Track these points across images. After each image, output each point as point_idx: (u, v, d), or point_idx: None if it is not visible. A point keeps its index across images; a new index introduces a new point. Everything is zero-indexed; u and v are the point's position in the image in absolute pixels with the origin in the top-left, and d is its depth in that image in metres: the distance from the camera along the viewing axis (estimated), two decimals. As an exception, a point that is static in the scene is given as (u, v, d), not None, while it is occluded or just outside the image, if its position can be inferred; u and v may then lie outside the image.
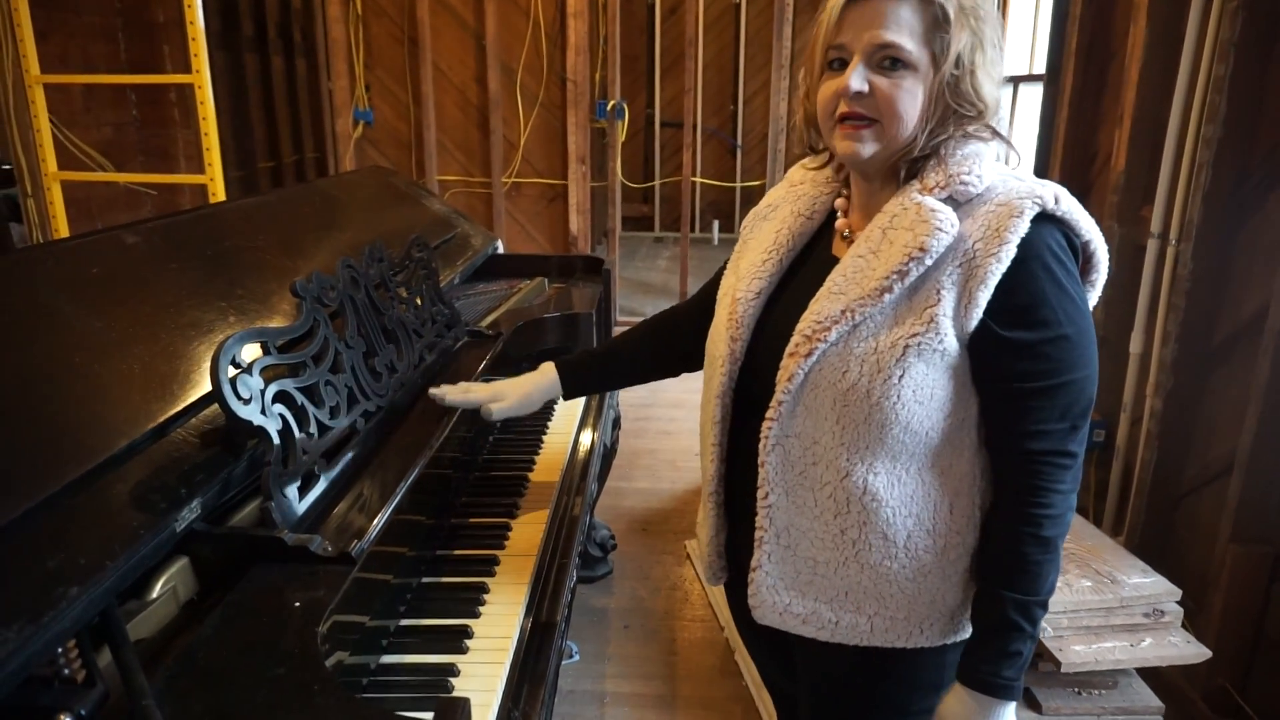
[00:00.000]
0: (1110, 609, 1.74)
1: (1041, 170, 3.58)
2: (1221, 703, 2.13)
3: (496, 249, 2.54)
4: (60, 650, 0.75)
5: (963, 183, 0.96)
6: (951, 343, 0.95)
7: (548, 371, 1.45)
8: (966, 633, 1.09)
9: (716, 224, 8.24)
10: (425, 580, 1.23)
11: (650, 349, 1.45)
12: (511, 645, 1.09)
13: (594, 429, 1.91)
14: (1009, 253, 0.92)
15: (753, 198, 8.27)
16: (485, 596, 1.19)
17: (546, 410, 1.91)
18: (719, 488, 1.19)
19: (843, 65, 0.98)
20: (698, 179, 6.91)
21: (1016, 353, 0.95)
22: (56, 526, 0.78)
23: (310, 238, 1.66)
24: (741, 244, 1.22)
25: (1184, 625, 2.04)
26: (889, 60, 0.95)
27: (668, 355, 1.42)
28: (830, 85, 0.99)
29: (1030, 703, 1.82)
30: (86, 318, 1.02)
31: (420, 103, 5.16)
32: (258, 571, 0.93)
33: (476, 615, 1.14)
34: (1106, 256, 1.03)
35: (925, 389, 0.96)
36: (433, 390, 1.40)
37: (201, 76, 3.06)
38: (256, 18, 6.10)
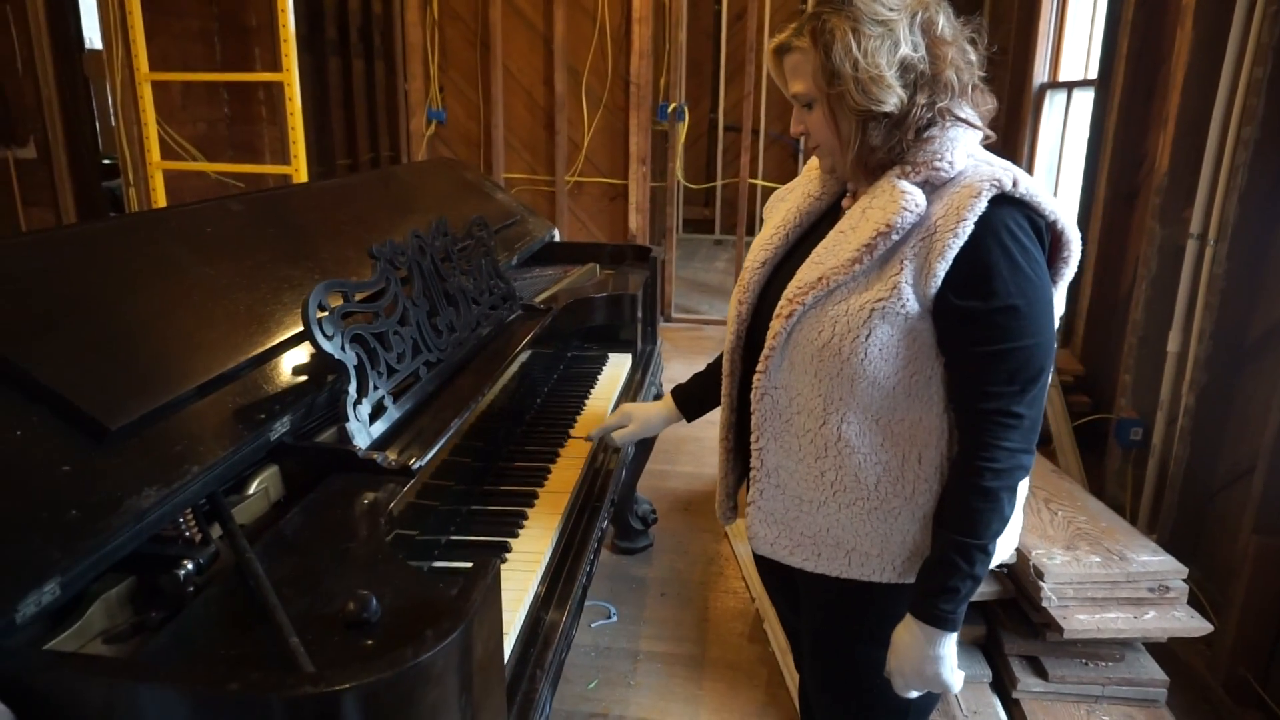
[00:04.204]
0: (1116, 582, 1.81)
1: (1090, 174, 3.62)
2: (1242, 692, 2.17)
3: (553, 236, 2.73)
4: (180, 519, 0.95)
5: (934, 168, 1.09)
6: (913, 307, 1.07)
7: (667, 400, 1.59)
8: None
9: (775, 227, 8.31)
10: (473, 508, 1.41)
11: None
12: (544, 558, 1.25)
13: (633, 400, 2.07)
14: (966, 229, 1.04)
15: (812, 201, 8.35)
16: (524, 522, 1.36)
17: (589, 377, 2.08)
18: (728, 434, 1.35)
19: None
20: (758, 181, 7.02)
21: (969, 320, 1.06)
22: (182, 421, 0.98)
23: (384, 215, 1.86)
24: (764, 223, 1.38)
25: (1202, 604, 2.10)
26: (803, 103, 1.15)
27: None
28: None
29: (1038, 670, 1.91)
30: (202, 266, 1.23)
31: (490, 103, 5.40)
32: (334, 478, 1.12)
33: (515, 535, 1.31)
34: (1077, 235, 1.14)
35: (890, 348, 1.09)
36: (587, 435, 1.69)
37: (290, 75, 3.33)
38: (340, 23, 6.46)
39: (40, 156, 4.59)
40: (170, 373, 1.02)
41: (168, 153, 4.55)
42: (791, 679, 2.22)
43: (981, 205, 1.04)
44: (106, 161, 5.26)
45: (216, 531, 0.99)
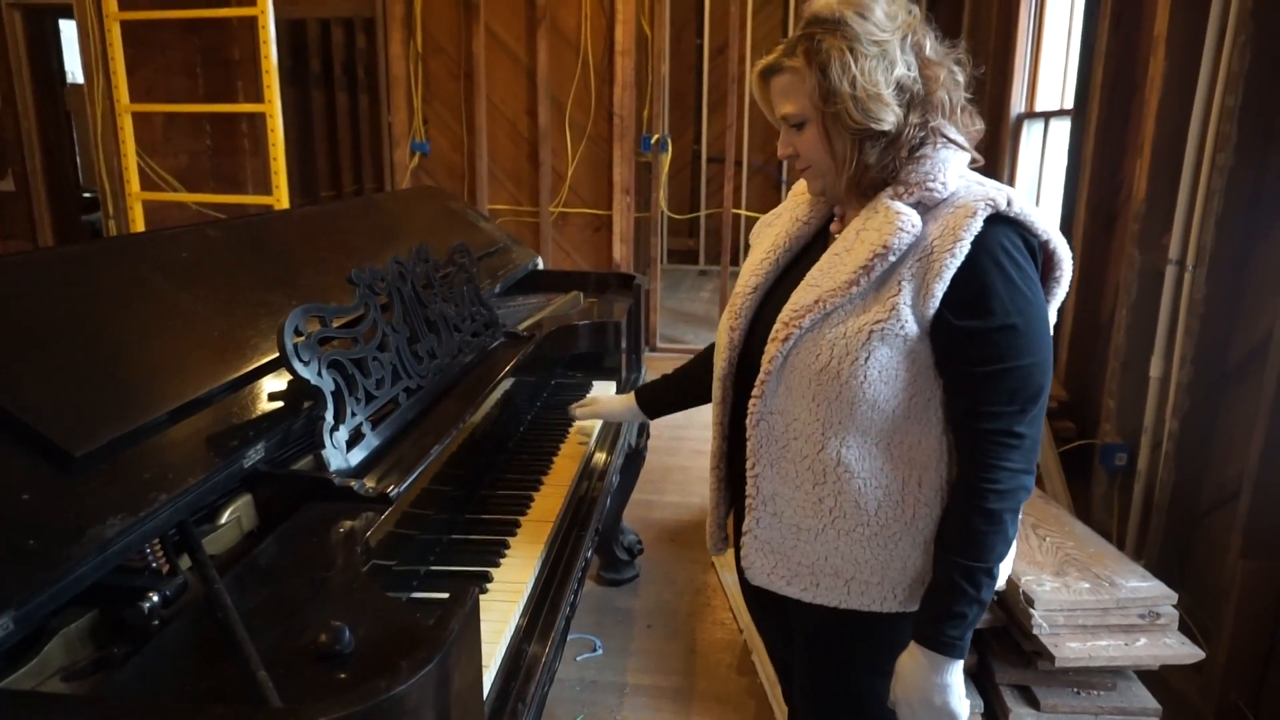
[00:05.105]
0: (1106, 609, 1.80)
1: (1069, 202, 3.65)
2: (1233, 718, 2.15)
3: (536, 265, 2.72)
4: (148, 549, 0.92)
5: (928, 189, 1.09)
6: (912, 328, 1.07)
7: (630, 395, 1.69)
8: None
9: (759, 257, 8.35)
10: (454, 537, 1.38)
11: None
12: (526, 589, 1.22)
13: (616, 429, 2.05)
14: (963, 249, 1.04)
15: (795, 232, 8.41)
16: (506, 551, 1.33)
17: (573, 405, 2.06)
18: (720, 463, 1.32)
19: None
20: (742, 211, 7.07)
21: (968, 339, 1.06)
22: (152, 447, 0.95)
23: (366, 242, 1.85)
24: (752, 249, 1.37)
25: (1191, 630, 2.08)
26: (793, 124, 1.14)
27: None
28: None
29: (1029, 700, 1.88)
30: (177, 291, 1.20)
31: (473, 134, 5.42)
32: (309, 506, 1.09)
33: (497, 564, 1.28)
34: (1069, 255, 1.14)
35: (890, 370, 1.08)
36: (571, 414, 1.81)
37: (272, 106, 3.33)
38: (324, 56, 6.50)
39: (19, 189, 4.56)
40: (140, 398, 0.99)
41: (148, 185, 4.53)
42: (780, 711, 2.17)
43: (977, 225, 1.04)
44: (87, 195, 5.24)
45: (186, 563, 0.96)
